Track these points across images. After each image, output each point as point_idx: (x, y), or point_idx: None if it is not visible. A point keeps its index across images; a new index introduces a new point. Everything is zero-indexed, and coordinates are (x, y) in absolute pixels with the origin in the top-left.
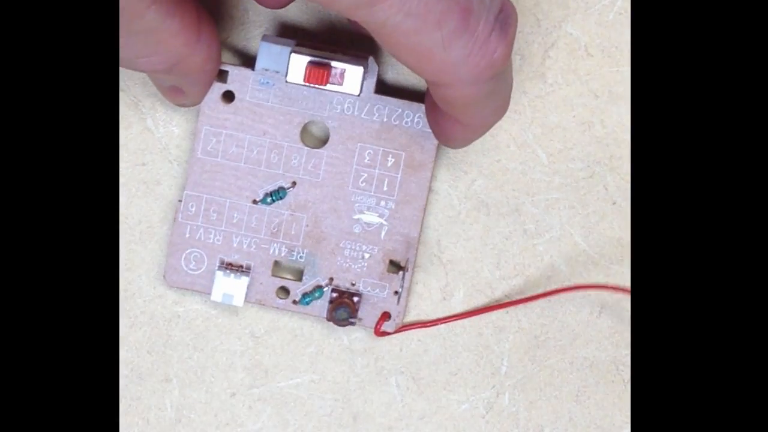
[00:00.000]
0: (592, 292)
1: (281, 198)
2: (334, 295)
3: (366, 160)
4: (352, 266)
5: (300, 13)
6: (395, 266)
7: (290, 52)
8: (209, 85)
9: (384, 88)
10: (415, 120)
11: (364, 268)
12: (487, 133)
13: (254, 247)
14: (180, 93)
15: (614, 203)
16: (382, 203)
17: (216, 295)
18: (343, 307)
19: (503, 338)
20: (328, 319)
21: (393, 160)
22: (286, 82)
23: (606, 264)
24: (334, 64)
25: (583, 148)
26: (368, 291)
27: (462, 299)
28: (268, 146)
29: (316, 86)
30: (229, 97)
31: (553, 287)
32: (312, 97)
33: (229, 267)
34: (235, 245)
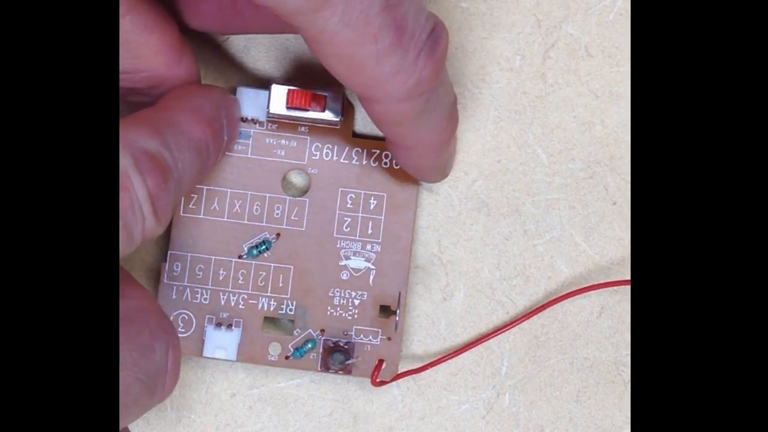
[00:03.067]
0: (593, 292)
1: (267, 250)
2: (325, 347)
3: (348, 205)
4: (343, 314)
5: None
6: (386, 311)
7: (271, 84)
8: None
9: (360, 133)
10: (394, 161)
11: (355, 316)
12: (488, 134)
13: (242, 303)
14: None
15: (614, 203)
16: (368, 247)
17: (208, 351)
18: (338, 351)
19: (503, 338)
20: (325, 369)
21: (375, 202)
22: (269, 113)
23: (606, 264)
24: (314, 91)
25: (583, 148)
26: (361, 339)
27: (462, 299)
28: (250, 199)
29: (299, 111)
30: None
31: (554, 287)
32: (290, 146)
33: (219, 325)
34: (222, 303)
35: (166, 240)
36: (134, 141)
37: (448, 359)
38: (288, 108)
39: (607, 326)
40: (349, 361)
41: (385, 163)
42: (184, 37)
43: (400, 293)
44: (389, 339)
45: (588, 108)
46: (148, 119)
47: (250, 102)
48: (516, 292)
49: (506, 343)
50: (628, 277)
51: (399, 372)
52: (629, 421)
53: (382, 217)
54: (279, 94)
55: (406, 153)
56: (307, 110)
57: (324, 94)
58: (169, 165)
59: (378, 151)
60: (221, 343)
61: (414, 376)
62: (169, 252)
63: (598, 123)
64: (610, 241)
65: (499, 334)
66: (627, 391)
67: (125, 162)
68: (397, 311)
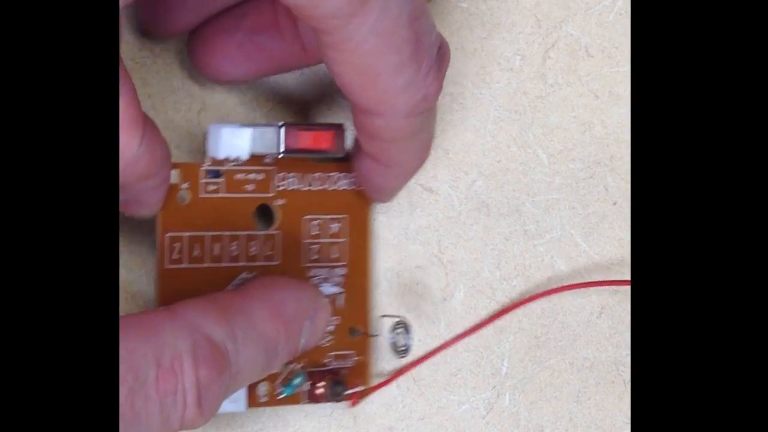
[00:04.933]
0: (593, 293)
1: None
2: (311, 378)
3: (313, 232)
4: (320, 343)
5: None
6: (355, 332)
7: (280, 126)
8: (165, 189)
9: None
10: (351, 181)
11: (332, 342)
12: (488, 134)
13: None
14: (135, 204)
15: (614, 203)
16: (335, 271)
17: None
18: (338, 384)
19: (504, 339)
20: (314, 400)
21: (338, 225)
22: (281, 153)
23: (606, 264)
24: (317, 129)
25: (583, 148)
26: (338, 363)
27: (462, 300)
28: (228, 239)
29: (304, 153)
30: (183, 197)
31: (554, 287)
32: (259, 179)
33: None
34: None
35: (155, 296)
36: (199, 325)
37: (424, 360)
38: (289, 150)
39: (607, 326)
40: (349, 391)
41: (342, 185)
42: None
43: (368, 318)
44: (360, 357)
45: (588, 108)
46: (221, 304)
47: (225, 142)
48: (516, 292)
49: (506, 343)
50: (628, 277)
51: (370, 387)
52: (629, 421)
53: (345, 239)
54: (287, 135)
55: (385, 171)
56: (313, 150)
57: (327, 129)
58: (229, 357)
59: (335, 174)
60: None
61: (414, 376)
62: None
63: (598, 123)
64: (610, 241)
65: (482, 327)
66: (627, 391)
67: (182, 345)
68: (367, 331)
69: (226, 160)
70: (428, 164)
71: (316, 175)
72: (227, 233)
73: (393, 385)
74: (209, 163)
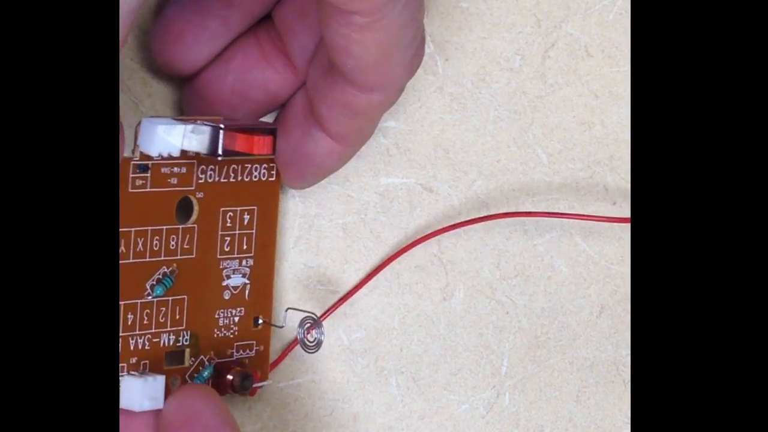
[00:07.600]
0: (593, 293)
1: (172, 284)
2: (217, 369)
3: (228, 224)
4: (227, 334)
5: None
6: (258, 322)
7: (220, 130)
8: None
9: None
10: (262, 172)
11: (236, 333)
12: (488, 134)
13: (148, 345)
14: None
15: (614, 203)
16: (244, 262)
17: (135, 404)
18: (247, 377)
19: (503, 338)
20: (222, 391)
21: (248, 216)
22: (219, 156)
23: (606, 264)
24: (255, 132)
25: (583, 148)
26: (240, 354)
27: (462, 299)
28: (150, 234)
29: (241, 155)
30: None
31: (554, 287)
32: (181, 172)
33: (131, 373)
34: (131, 349)
35: None
36: None
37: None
38: (227, 152)
39: (607, 326)
40: (258, 384)
41: (255, 177)
42: None
43: (272, 310)
44: (260, 348)
45: (588, 108)
46: None
47: (156, 137)
48: (516, 292)
49: (506, 343)
50: (628, 277)
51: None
52: (629, 421)
53: (254, 231)
54: (225, 138)
55: (345, 151)
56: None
57: (260, 128)
58: None
59: (249, 166)
60: (150, 393)
61: (414, 376)
62: None
63: (598, 123)
64: (610, 241)
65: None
66: (627, 391)
67: None
68: (269, 321)
69: (159, 157)
70: (428, 164)
71: (234, 166)
72: (150, 228)
73: (393, 384)
74: (138, 158)
